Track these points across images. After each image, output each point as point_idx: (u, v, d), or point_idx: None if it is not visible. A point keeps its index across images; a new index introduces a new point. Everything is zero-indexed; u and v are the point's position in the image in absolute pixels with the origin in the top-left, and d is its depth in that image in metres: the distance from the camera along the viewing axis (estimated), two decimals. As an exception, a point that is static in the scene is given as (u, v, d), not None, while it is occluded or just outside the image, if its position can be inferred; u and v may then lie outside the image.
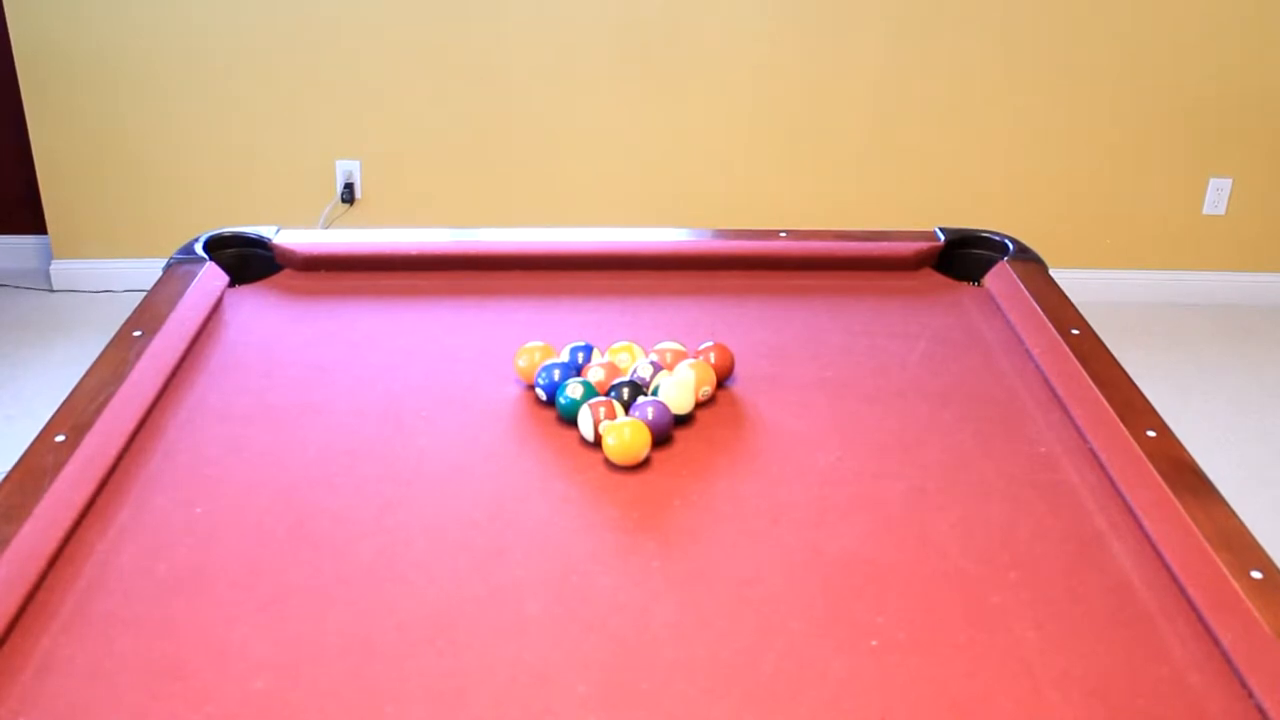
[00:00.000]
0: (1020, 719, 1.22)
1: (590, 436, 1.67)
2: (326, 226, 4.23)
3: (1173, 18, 4.03)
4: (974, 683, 1.27)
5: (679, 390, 1.72)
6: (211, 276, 2.13)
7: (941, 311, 2.12)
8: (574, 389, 1.71)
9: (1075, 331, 1.96)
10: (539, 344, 1.84)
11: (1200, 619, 1.35)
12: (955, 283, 2.24)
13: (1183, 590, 1.40)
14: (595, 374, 1.78)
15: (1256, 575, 1.37)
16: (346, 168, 4.21)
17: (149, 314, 1.97)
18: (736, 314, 2.09)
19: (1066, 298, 2.09)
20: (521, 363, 1.83)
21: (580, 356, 1.82)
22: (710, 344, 1.85)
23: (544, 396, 1.78)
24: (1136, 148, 4.22)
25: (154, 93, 4.08)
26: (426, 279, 2.19)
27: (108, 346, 1.86)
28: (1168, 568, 1.44)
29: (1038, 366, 1.91)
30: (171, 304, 2.00)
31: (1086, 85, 4.13)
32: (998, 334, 2.04)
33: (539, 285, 2.18)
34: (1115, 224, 4.34)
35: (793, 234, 2.30)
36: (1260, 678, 1.24)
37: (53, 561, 1.41)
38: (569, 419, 1.72)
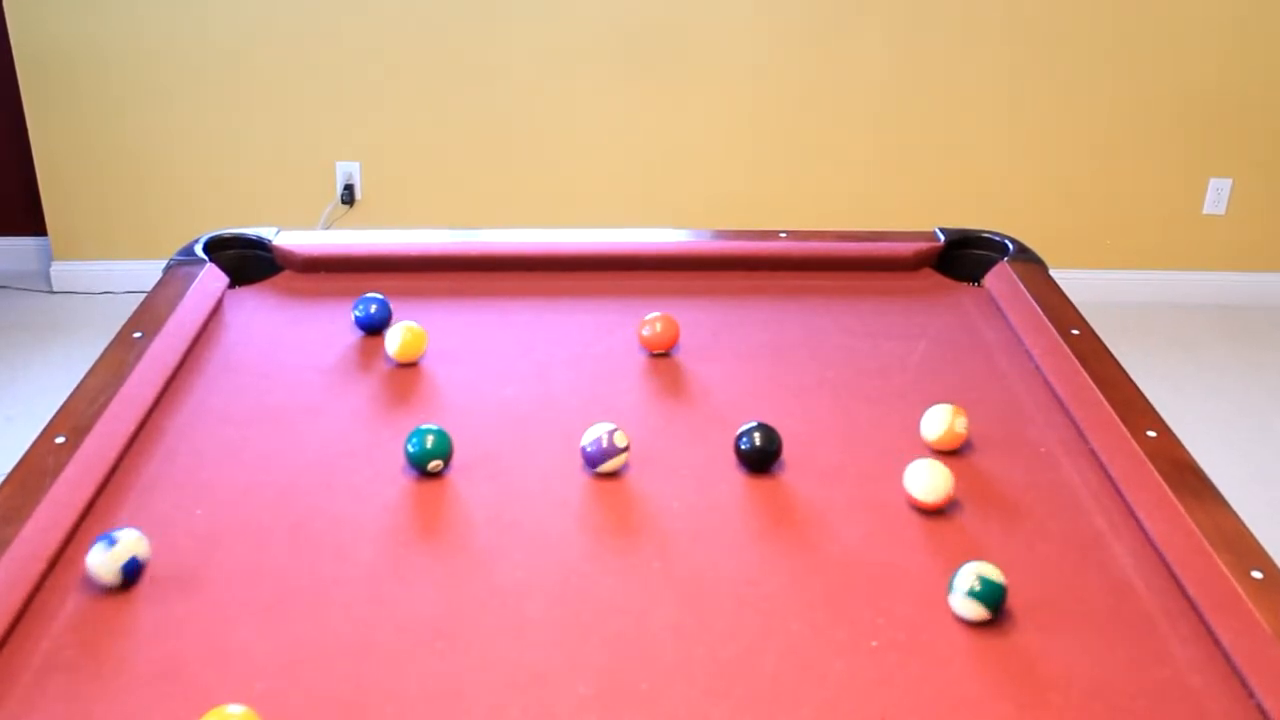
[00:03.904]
0: (1021, 720, 1.23)
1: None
2: (326, 228, 4.23)
3: (1173, 18, 4.03)
4: (975, 684, 1.27)
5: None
6: (211, 278, 2.13)
7: (942, 312, 2.12)
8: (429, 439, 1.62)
9: (1075, 331, 1.96)
10: (658, 314, 1.94)
11: (1201, 619, 1.35)
12: (955, 283, 2.24)
13: (1183, 590, 1.40)
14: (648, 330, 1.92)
15: (1257, 575, 1.37)
16: (346, 169, 4.21)
17: (149, 315, 1.97)
18: (737, 315, 2.09)
19: (1066, 298, 2.09)
20: (645, 332, 1.93)
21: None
22: (657, 315, 1.94)
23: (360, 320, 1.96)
24: (1136, 148, 4.22)
25: (154, 94, 4.07)
26: (426, 280, 2.19)
27: (108, 348, 1.86)
28: (1168, 568, 1.43)
29: (1038, 367, 1.91)
30: (171, 305, 2.00)
31: (1087, 85, 4.13)
32: (998, 334, 2.04)
33: (539, 286, 2.18)
34: (1115, 224, 4.34)
35: (793, 234, 2.30)
36: (1261, 678, 1.24)
37: (53, 563, 1.41)
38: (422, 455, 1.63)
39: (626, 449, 1.62)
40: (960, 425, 1.67)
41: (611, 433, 1.61)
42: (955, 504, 1.58)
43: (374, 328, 1.99)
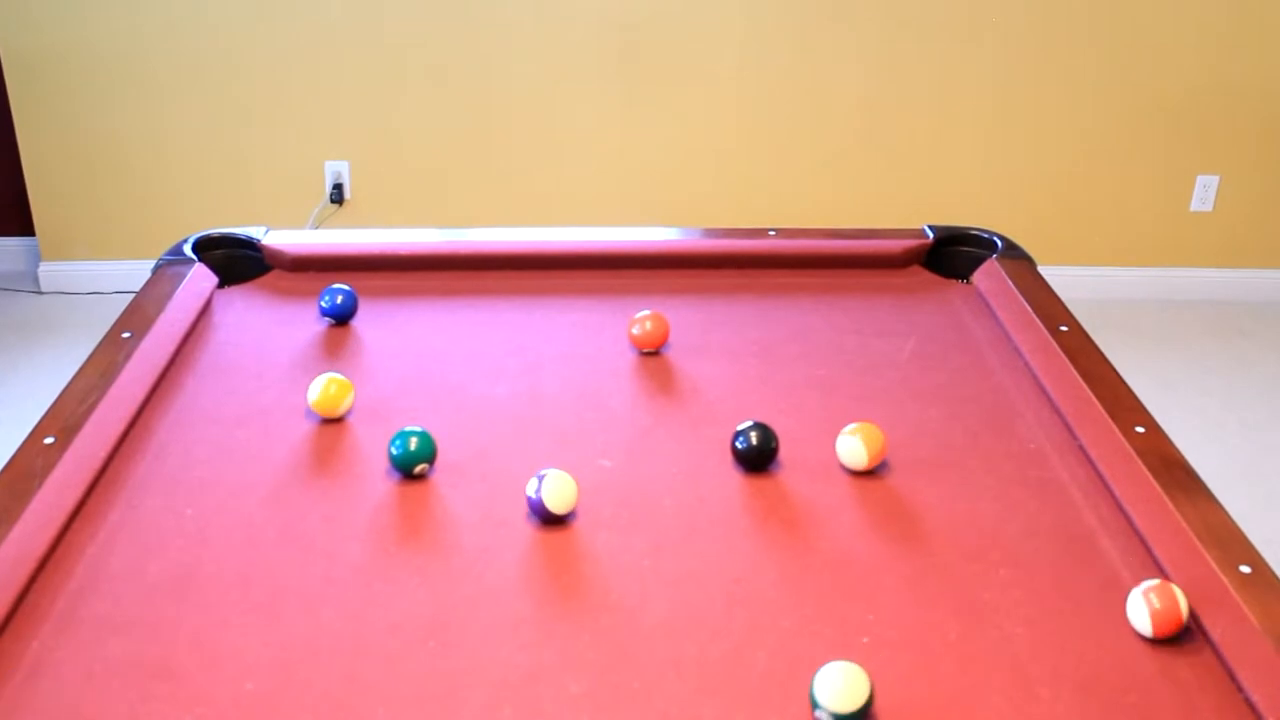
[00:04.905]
0: (1011, 715, 1.23)
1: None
2: (315, 227, 4.23)
3: (1160, 15, 4.04)
4: (965, 680, 1.28)
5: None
6: (200, 278, 2.12)
7: (931, 309, 2.13)
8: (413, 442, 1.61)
9: (1064, 328, 1.97)
10: (648, 312, 1.94)
11: (1190, 614, 1.35)
12: (944, 280, 2.24)
13: (1172, 586, 1.40)
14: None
15: (1245, 570, 1.37)
16: (335, 168, 4.20)
17: (138, 315, 1.96)
18: (727, 313, 2.09)
19: (1055, 294, 2.10)
20: (635, 331, 1.93)
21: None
22: (647, 313, 1.94)
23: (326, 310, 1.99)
24: (1124, 145, 4.23)
25: (142, 94, 4.06)
26: (416, 279, 2.19)
27: (97, 348, 1.86)
28: (1157, 563, 1.44)
29: (1027, 363, 1.91)
30: (160, 305, 2.00)
31: (1075, 82, 4.13)
32: (987, 331, 2.04)
33: (529, 285, 2.18)
34: (1103, 221, 4.35)
35: (782, 232, 2.30)
36: (1249, 671, 1.25)
37: (43, 564, 1.41)
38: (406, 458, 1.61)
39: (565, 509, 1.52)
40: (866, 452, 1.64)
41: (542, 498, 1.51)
42: (946, 502, 1.58)
43: (340, 318, 2.02)
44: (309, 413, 1.76)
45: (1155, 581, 1.35)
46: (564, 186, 4.24)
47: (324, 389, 1.73)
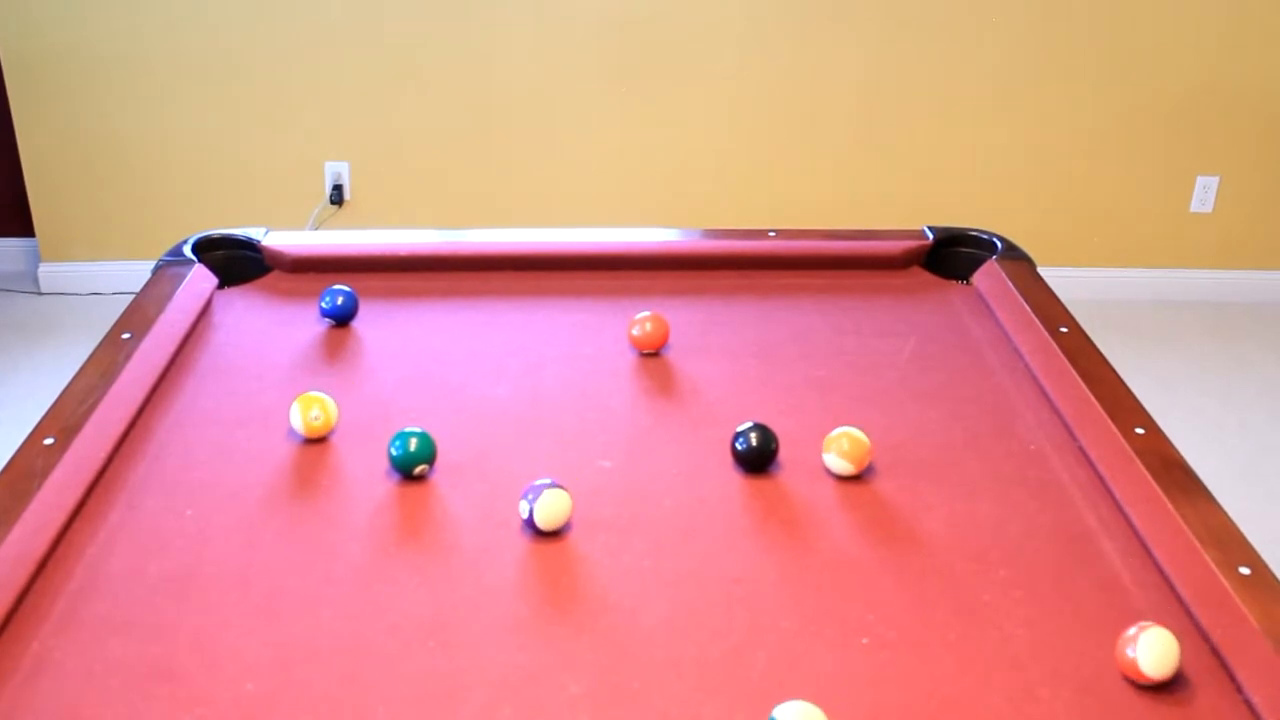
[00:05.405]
0: (1011, 716, 1.23)
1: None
2: (315, 228, 4.23)
3: (1160, 15, 4.05)
4: (965, 680, 1.28)
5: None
6: (200, 278, 2.12)
7: (930, 310, 2.13)
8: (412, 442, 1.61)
9: (1064, 329, 1.97)
10: (648, 314, 1.95)
11: (1189, 615, 1.35)
12: (944, 281, 2.24)
13: (1172, 586, 1.40)
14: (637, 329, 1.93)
15: (1244, 571, 1.37)
16: (335, 169, 4.20)
17: (138, 316, 1.96)
18: (726, 314, 2.09)
19: (1055, 296, 2.10)
20: (635, 332, 1.93)
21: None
22: (647, 314, 1.94)
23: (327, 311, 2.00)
24: (1124, 146, 4.23)
25: (142, 94, 4.06)
26: (416, 280, 2.19)
27: (96, 349, 1.86)
28: (1157, 564, 1.44)
29: (1026, 364, 1.91)
30: (160, 306, 2.00)
31: (1074, 83, 4.13)
32: (986, 332, 2.04)
33: (529, 286, 2.18)
34: (1103, 222, 4.35)
35: (782, 233, 2.30)
36: (1248, 672, 1.25)
37: (43, 565, 1.41)
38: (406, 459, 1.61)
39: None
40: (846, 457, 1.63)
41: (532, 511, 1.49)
42: (945, 503, 1.58)
43: (341, 319, 2.02)
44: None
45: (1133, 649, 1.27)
46: (564, 187, 4.24)
47: (306, 424, 1.68)
